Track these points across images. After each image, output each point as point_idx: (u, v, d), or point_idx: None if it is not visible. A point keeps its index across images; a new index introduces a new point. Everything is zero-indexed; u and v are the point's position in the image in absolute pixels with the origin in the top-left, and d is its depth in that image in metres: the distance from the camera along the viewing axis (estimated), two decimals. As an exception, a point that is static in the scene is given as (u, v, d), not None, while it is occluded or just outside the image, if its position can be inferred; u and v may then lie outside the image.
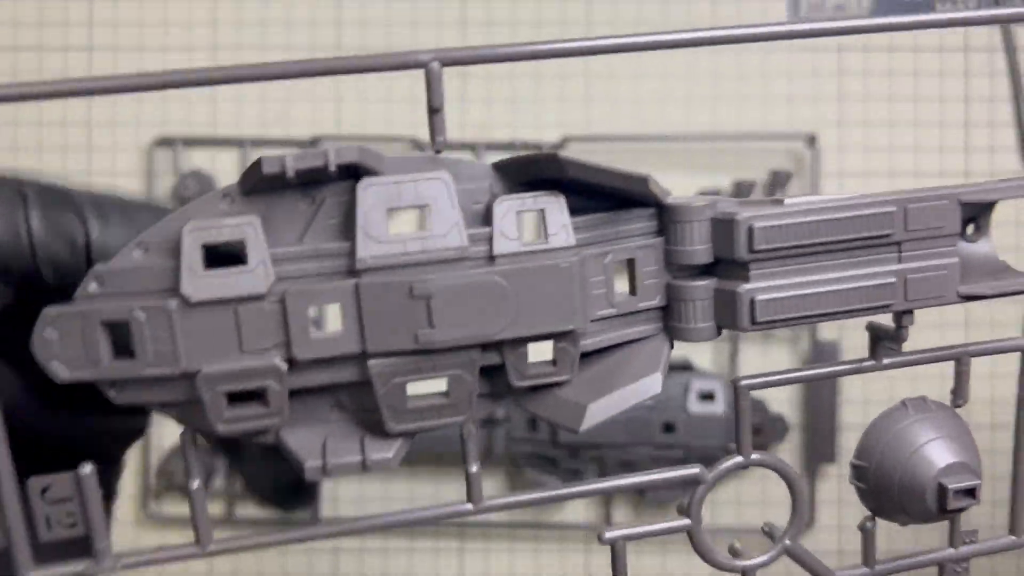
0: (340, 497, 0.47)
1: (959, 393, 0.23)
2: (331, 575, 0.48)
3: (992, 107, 0.48)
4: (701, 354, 0.45)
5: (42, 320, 0.18)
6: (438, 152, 0.20)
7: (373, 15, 0.48)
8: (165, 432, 0.47)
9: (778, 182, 0.43)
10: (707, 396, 0.41)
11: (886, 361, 0.21)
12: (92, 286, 0.19)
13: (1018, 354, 0.26)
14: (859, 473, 0.22)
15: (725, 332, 0.21)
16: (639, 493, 0.41)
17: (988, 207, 0.23)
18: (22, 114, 0.48)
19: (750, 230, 0.20)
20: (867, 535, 0.22)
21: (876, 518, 0.22)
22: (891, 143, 0.48)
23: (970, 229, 0.23)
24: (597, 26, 0.48)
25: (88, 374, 0.18)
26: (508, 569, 0.47)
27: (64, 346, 0.18)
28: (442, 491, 0.46)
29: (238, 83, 0.19)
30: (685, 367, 0.39)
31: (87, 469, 0.19)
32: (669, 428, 0.41)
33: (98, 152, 0.48)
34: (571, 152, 0.43)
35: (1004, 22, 0.23)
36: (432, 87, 0.19)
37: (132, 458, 0.47)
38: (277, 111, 0.47)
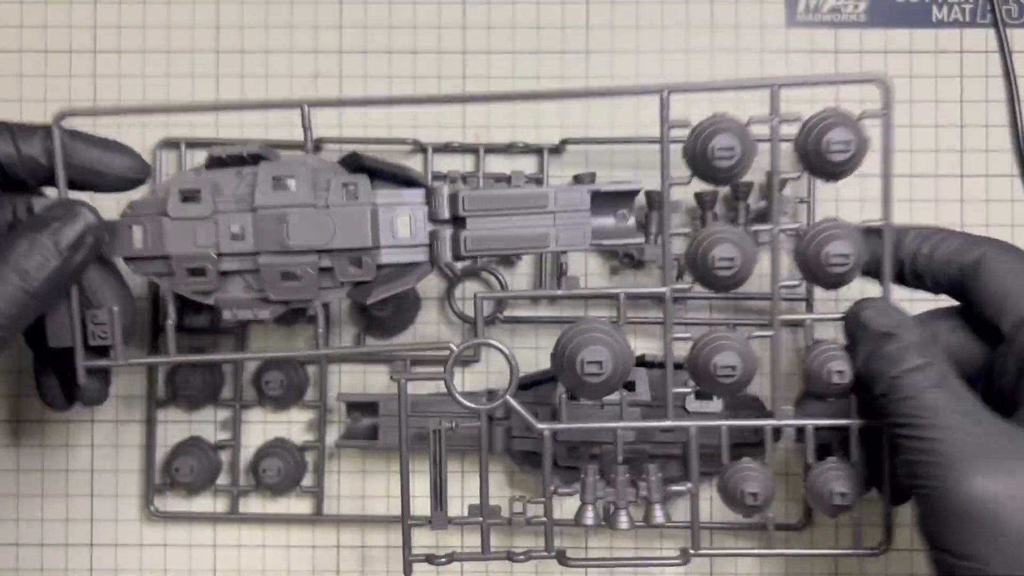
0: (343, 495, 0.48)
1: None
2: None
3: (987, 108, 0.48)
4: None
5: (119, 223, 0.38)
6: (317, 150, 0.41)
7: (375, 18, 0.48)
8: (169, 435, 0.48)
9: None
10: (705, 395, 0.42)
11: None
12: (126, 209, 0.38)
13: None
14: None
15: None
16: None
17: (627, 196, 0.38)
18: (28, 115, 0.48)
19: (463, 198, 0.37)
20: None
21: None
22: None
23: (624, 212, 0.38)
24: (596, 29, 0.48)
25: (125, 253, 0.38)
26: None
27: (113, 239, 0.38)
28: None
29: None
30: (681, 366, 0.39)
31: (116, 308, 0.38)
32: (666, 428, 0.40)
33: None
34: (570, 152, 0.44)
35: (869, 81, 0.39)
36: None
37: (135, 459, 0.47)
38: (279, 115, 0.48)
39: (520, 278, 0.47)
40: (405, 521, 0.40)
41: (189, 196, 0.36)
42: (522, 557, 0.41)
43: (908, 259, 0.40)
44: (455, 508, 0.41)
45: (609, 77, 0.48)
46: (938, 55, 0.48)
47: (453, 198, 0.37)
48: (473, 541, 0.45)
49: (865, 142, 0.37)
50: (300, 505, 0.48)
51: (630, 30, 0.48)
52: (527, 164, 0.47)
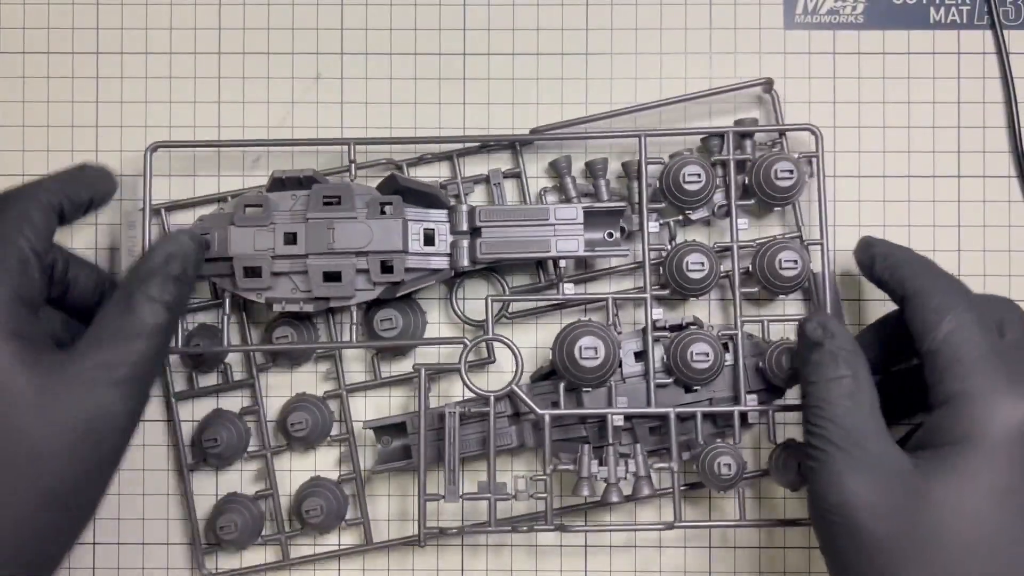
0: (390, 518, 0.48)
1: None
2: None
3: (985, 109, 0.48)
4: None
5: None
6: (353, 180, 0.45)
7: (376, 21, 0.49)
8: (204, 488, 0.48)
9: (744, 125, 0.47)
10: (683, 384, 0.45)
11: None
12: (198, 223, 0.45)
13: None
14: None
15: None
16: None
17: (615, 215, 0.45)
18: (28, 116, 0.48)
19: (479, 211, 0.44)
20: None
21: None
22: (884, 146, 0.48)
23: (611, 232, 0.45)
24: (595, 31, 0.49)
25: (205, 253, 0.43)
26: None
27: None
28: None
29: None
30: (693, 324, 0.45)
31: None
32: (688, 388, 0.45)
33: (104, 156, 0.49)
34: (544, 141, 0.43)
35: (787, 130, 0.46)
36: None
37: (178, 510, 0.47)
38: (282, 113, 0.48)
39: (519, 278, 0.48)
40: (421, 497, 0.44)
41: (252, 205, 0.43)
42: (525, 528, 0.44)
43: (869, 267, 0.43)
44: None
45: (608, 78, 0.48)
46: (936, 56, 0.49)
47: (471, 212, 0.44)
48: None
49: (804, 171, 0.44)
50: (348, 538, 0.48)
51: (629, 32, 0.48)
52: (503, 160, 0.48)
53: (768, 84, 0.46)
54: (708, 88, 0.47)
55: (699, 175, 0.44)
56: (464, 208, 0.44)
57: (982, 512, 0.35)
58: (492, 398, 0.44)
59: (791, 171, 0.44)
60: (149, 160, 0.45)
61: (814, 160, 0.45)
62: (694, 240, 0.45)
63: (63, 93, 0.49)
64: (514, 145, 0.47)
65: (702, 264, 0.43)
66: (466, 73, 0.49)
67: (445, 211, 0.44)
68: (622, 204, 0.45)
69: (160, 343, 0.37)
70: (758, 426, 0.46)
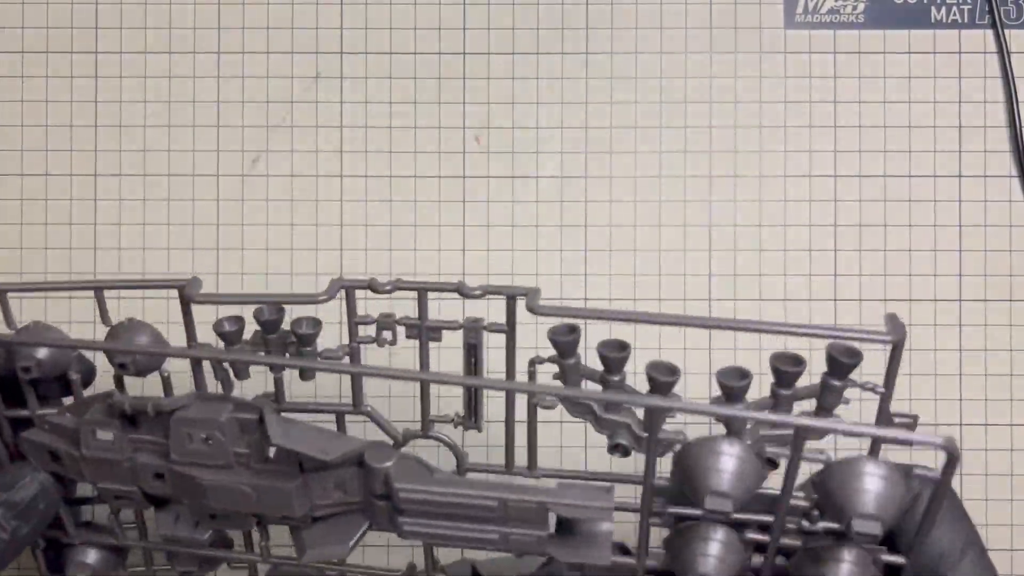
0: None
1: None
2: None
3: (986, 109, 0.48)
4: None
5: None
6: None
7: (376, 20, 0.49)
8: None
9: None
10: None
11: None
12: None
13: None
14: None
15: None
16: None
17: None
18: (28, 116, 0.48)
19: (398, 492, 0.33)
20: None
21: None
22: (885, 145, 0.48)
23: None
24: (595, 32, 0.48)
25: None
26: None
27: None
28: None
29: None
30: None
31: None
32: None
33: (102, 155, 0.48)
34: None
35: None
36: None
37: None
38: (281, 112, 0.48)
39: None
40: None
41: (101, 440, 0.35)
42: None
43: None
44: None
45: (608, 78, 0.48)
46: (936, 56, 0.48)
47: (386, 478, 0.33)
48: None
49: (898, 513, 0.30)
50: None
51: (629, 31, 0.48)
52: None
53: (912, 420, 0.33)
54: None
55: (726, 495, 0.30)
56: (381, 469, 0.34)
57: None
58: None
59: (876, 520, 0.29)
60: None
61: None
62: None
63: (62, 93, 0.49)
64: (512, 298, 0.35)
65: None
66: (466, 73, 0.49)
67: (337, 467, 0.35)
68: (607, 503, 0.32)
69: None
70: None
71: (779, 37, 0.48)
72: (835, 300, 0.46)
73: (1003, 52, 0.48)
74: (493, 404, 0.37)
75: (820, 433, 0.31)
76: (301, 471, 0.34)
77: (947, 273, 0.48)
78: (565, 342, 0.33)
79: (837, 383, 0.31)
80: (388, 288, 0.35)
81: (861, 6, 0.49)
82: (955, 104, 0.48)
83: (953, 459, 0.29)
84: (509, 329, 0.35)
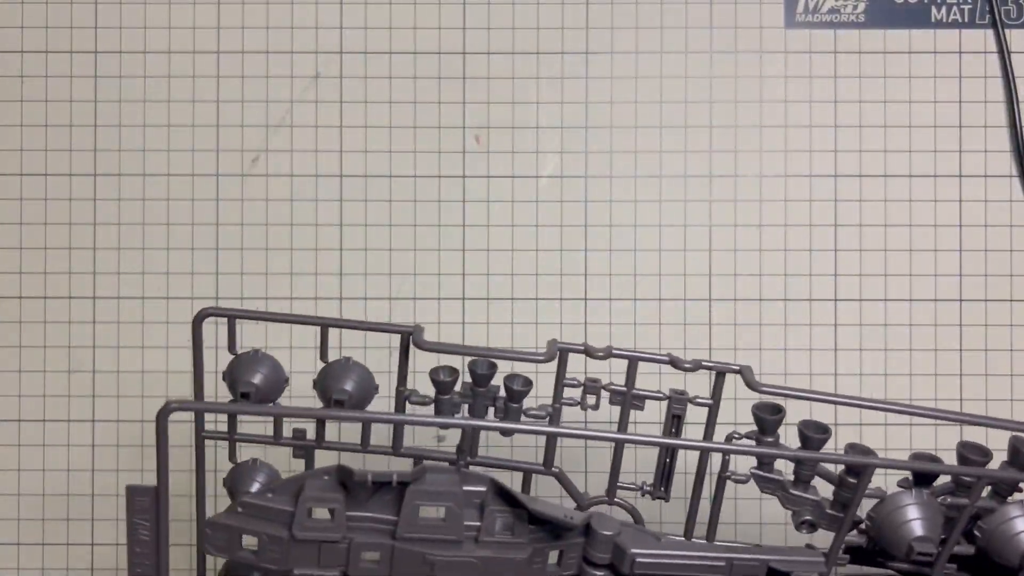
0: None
1: None
2: None
3: (986, 109, 0.48)
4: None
5: None
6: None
7: (375, 19, 0.48)
8: None
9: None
10: None
11: None
12: (234, 505, 0.33)
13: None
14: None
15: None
16: None
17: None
18: (27, 116, 0.48)
19: (632, 559, 0.33)
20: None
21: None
22: (886, 145, 0.48)
23: None
24: (595, 31, 0.48)
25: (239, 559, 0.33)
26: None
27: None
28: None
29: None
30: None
31: None
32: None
33: (101, 155, 0.48)
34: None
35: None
36: None
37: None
38: (280, 112, 0.48)
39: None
40: None
41: (318, 503, 0.32)
42: None
43: None
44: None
45: (608, 77, 0.48)
46: (937, 55, 0.48)
47: (615, 545, 0.33)
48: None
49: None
50: None
51: (629, 31, 0.48)
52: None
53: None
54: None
55: (929, 540, 0.35)
56: (606, 535, 0.33)
57: None
58: None
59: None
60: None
61: None
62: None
63: (61, 92, 0.49)
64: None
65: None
66: (466, 73, 0.48)
67: (567, 536, 0.34)
68: (817, 566, 0.35)
69: None
70: None
71: (779, 37, 0.48)
72: (835, 300, 0.46)
73: (1003, 52, 0.48)
74: (678, 480, 0.38)
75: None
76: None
77: (947, 273, 0.48)
78: (770, 421, 0.35)
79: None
80: (602, 356, 0.36)
81: (861, 6, 0.49)
82: (955, 104, 0.48)
83: None
84: (714, 403, 0.37)
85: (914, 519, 0.34)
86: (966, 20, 0.48)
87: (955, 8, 0.48)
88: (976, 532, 0.35)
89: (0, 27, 0.49)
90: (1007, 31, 0.48)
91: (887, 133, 0.48)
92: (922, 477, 0.35)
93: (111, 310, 0.48)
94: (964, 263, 0.48)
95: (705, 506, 0.36)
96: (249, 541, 0.32)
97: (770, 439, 0.35)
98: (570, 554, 0.33)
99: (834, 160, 0.48)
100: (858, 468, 0.33)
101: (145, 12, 0.48)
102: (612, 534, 0.33)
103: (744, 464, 0.36)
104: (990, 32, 0.48)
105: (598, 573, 0.34)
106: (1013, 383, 0.48)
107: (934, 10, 0.49)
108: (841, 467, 0.34)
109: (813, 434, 0.34)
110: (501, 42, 0.48)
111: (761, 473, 0.35)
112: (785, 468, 0.35)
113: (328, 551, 0.31)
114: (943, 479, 0.36)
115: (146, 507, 0.33)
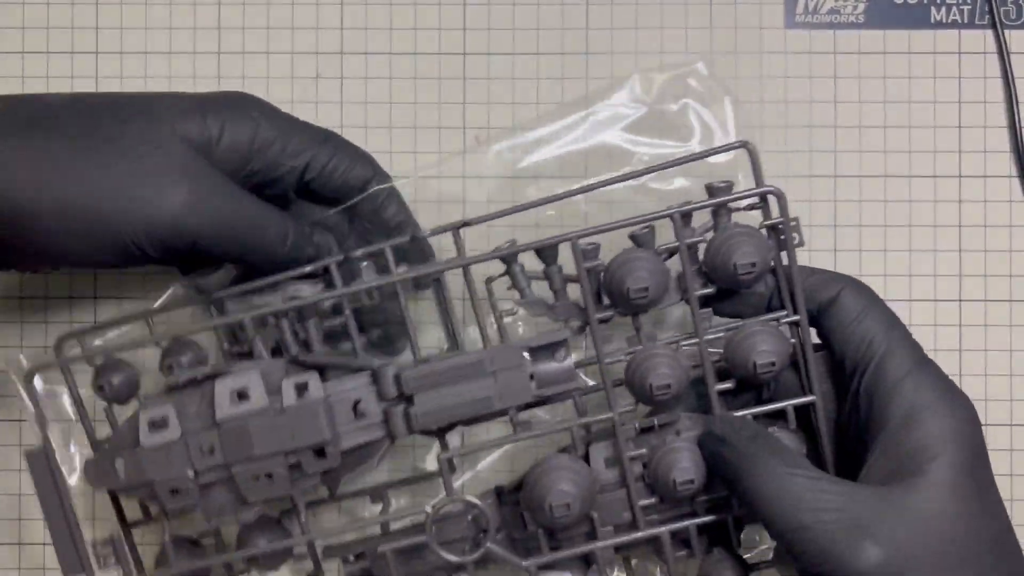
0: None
1: None
2: None
3: (986, 109, 0.48)
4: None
5: None
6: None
7: (375, 20, 0.49)
8: None
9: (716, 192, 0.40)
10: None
11: None
12: (104, 443, 0.42)
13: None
14: None
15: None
16: None
17: (557, 345, 0.39)
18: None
19: (405, 379, 0.38)
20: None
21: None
22: (885, 146, 0.48)
23: (561, 353, 0.39)
24: (595, 31, 0.48)
25: (112, 486, 0.40)
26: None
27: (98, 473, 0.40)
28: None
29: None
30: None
31: None
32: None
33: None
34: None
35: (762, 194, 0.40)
36: None
37: None
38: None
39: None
40: None
41: (158, 423, 0.38)
42: None
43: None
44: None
45: (609, 78, 0.48)
46: (936, 56, 0.48)
47: (397, 378, 0.38)
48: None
49: (768, 255, 0.39)
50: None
51: (629, 31, 0.48)
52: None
53: (743, 145, 0.40)
54: (673, 155, 0.43)
55: (645, 289, 0.38)
56: (390, 373, 0.39)
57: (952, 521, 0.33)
58: (471, 565, 0.40)
59: (752, 264, 0.38)
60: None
61: (786, 231, 0.39)
62: (656, 345, 0.39)
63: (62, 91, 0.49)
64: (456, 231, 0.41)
65: (667, 386, 0.38)
66: (466, 73, 0.49)
67: (367, 375, 0.39)
68: (564, 334, 0.39)
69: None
70: None
71: (779, 37, 0.49)
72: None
73: (1003, 52, 0.48)
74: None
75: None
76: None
77: (947, 273, 0.48)
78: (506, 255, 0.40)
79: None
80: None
81: (861, 6, 0.49)
82: (955, 104, 0.48)
83: (782, 199, 0.39)
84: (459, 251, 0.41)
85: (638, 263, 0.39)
86: (966, 21, 0.49)
87: (955, 9, 0.49)
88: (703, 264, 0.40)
89: (0, 28, 0.49)
90: (1007, 32, 0.48)
91: (886, 133, 0.48)
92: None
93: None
94: (963, 263, 0.48)
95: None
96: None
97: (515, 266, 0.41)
98: (367, 393, 0.39)
99: (834, 160, 0.48)
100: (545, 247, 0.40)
101: (146, 12, 0.49)
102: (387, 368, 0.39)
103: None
104: (990, 33, 0.49)
105: (394, 408, 0.39)
106: (1013, 383, 0.48)
107: (933, 11, 0.49)
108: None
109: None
110: (501, 43, 0.48)
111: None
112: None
113: (174, 454, 0.38)
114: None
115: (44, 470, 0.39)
